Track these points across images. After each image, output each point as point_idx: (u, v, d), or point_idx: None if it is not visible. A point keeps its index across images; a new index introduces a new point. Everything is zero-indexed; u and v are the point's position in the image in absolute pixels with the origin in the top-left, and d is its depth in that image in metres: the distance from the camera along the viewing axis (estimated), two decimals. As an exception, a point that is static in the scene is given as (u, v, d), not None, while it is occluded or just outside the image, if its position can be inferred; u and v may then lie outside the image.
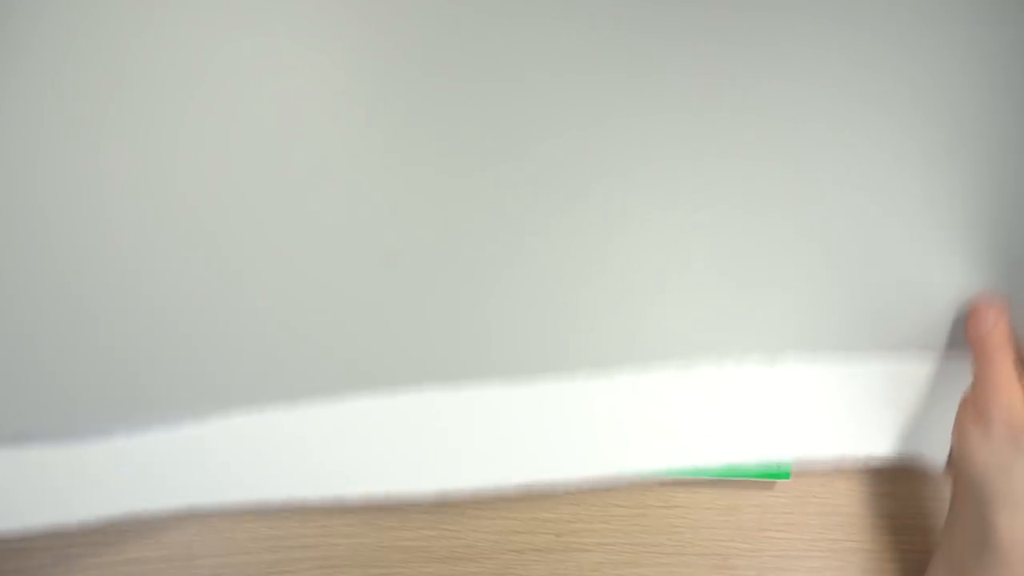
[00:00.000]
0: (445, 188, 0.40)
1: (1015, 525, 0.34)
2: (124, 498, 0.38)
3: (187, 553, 0.41)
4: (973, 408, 0.35)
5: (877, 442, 0.38)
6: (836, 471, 0.40)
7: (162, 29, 0.43)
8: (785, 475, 0.39)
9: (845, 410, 0.38)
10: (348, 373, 0.38)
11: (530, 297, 0.38)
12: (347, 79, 0.42)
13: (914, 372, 0.38)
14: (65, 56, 0.43)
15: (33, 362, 0.37)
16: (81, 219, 0.38)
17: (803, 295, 0.37)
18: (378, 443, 0.38)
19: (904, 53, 0.32)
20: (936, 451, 0.37)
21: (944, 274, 0.36)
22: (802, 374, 0.37)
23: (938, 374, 0.38)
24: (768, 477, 0.39)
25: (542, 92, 0.38)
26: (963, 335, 0.37)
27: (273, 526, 0.41)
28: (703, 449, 0.38)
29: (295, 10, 0.43)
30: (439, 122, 0.41)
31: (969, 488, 0.35)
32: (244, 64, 0.43)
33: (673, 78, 0.36)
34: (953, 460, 0.36)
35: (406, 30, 0.42)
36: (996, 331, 0.35)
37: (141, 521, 0.38)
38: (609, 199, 0.37)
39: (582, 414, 0.39)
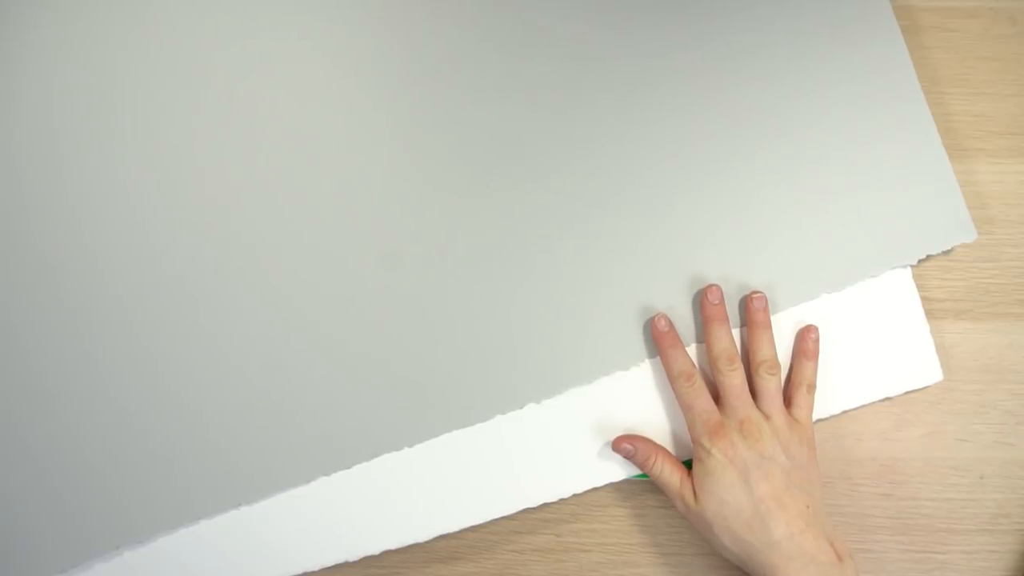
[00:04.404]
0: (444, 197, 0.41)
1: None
2: None
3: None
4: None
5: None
6: (834, 472, 0.40)
7: (179, 30, 0.43)
8: None
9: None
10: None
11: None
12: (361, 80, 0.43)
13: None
14: (67, 56, 0.43)
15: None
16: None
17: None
18: (374, 503, 0.39)
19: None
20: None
21: None
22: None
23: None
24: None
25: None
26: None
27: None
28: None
29: (321, 16, 0.43)
30: (446, 125, 0.42)
31: None
32: (254, 67, 0.43)
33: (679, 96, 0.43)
34: None
35: (415, 33, 0.43)
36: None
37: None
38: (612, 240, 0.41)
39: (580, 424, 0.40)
